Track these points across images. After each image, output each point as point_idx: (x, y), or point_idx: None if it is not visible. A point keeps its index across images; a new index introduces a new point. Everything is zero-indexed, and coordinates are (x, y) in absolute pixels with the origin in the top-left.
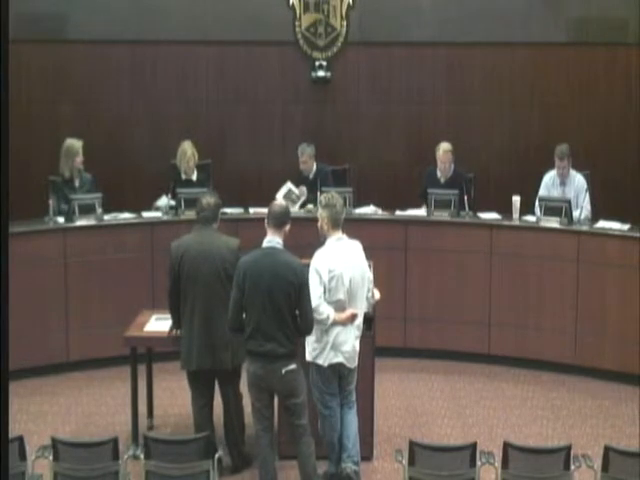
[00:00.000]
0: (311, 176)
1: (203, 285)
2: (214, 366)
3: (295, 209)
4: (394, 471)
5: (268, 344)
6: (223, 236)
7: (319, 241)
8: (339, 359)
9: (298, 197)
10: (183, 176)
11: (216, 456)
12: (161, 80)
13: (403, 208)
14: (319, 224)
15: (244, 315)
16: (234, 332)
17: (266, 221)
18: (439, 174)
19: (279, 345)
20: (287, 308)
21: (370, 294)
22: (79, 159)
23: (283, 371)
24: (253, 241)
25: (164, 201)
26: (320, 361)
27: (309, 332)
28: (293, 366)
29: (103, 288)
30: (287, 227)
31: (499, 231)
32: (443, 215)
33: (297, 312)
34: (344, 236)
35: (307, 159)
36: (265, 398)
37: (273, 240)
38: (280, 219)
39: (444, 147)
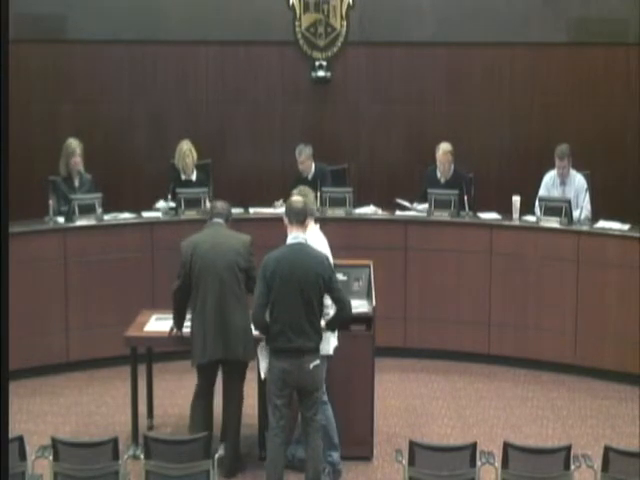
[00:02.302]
0: (310, 177)
1: (217, 278)
2: (227, 356)
3: None
4: (394, 471)
5: (298, 339)
6: (235, 232)
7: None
8: None
9: None
10: (183, 176)
11: (216, 456)
12: (161, 80)
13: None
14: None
15: (268, 312)
16: (259, 328)
17: (287, 218)
18: (439, 174)
19: (308, 339)
20: (317, 301)
21: None
22: (76, 159)
23: (311, 366)
24: (253, 241)
25: (162, 204)
26: (333, 354)
27: (351, 314)
28: (318, 361)
29: (103, 288)
30: (307, 221)
31: (499, 231)
32: (443, 215)
33: (331, 300)
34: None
35: (305, 160)
36: (287, 395)
37: (299, 236)
38: (302, 215)
39: (443, 148)
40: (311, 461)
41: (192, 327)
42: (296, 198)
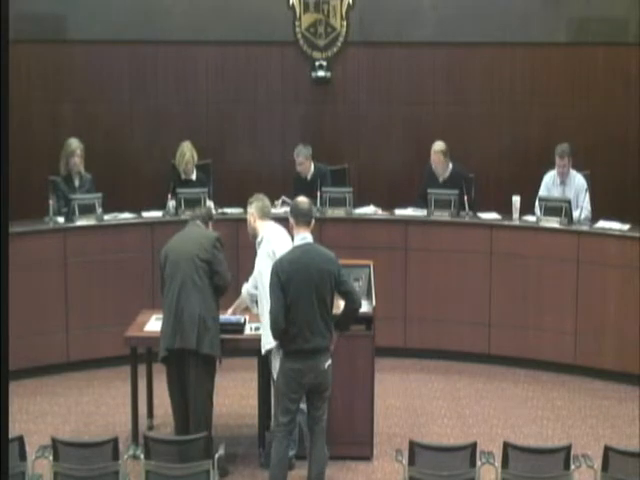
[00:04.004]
0: (309, 177)
1: (179, 271)
2: (181, 344)
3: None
4: (394, 471)
5: (314, 339)
6: (206, 230)
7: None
8: None
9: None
10: (183, 176)
11: (216, 456)
12: (161, 80)
13: (403, 206)
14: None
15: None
16: (278, 332)
17: (294, 219)
18: (437, 173)
19: (323, 339)
20: (330, 299)
21: None
22: (75, 160)
23: (325, 365)
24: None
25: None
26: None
27: (360, 305)
28: (330, 360)
29: (103, 288)
30: (313, 222)
31: (499, 231)
32: (443, 215)
33: (343, 295)
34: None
35: (303, 160)
36: (299, 398)
37: (307, 236)
38: (309, 215)
39: (434, 148)
40: (315, 460)
41: (161, 323)
42: (302, 199)
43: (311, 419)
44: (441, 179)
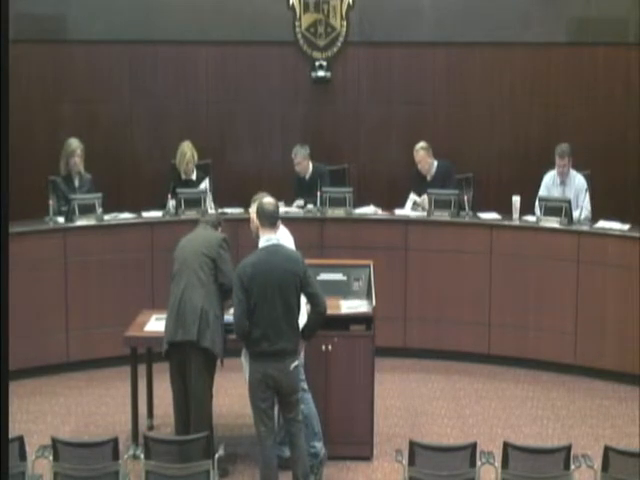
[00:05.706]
0: (307, 177)
1: (185, 266)
2: (183, 337)
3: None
4: (394, 471)
5: (280, 342)
6: (212, 231)
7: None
8: None
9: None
10: (183, 176)
11: (216, 456)
12: (161, 80)
13: (403, 206)
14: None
15: (249, 318)
16: (241, 335)
17: (259, 221)
18: (424, 173)
19: (288, 341)
20: (296, 301)
21: None
22: (75, 160)
23: (291, 367)
24: (253, 241)
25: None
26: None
27: (325, 310)
28: (297, 362)
29: (103, 288)
30: (279, 223)
31: (499, 231)
32: (443, 215)
33: (308, 296)
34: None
35: (301, 160)
36: (271, 398)
37: (272, 238)
38: (275, 217)
39: (415, 147)
40: (298, 462)
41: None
42: (268, 200)
43: (286, 422)
44: (429, 177)
